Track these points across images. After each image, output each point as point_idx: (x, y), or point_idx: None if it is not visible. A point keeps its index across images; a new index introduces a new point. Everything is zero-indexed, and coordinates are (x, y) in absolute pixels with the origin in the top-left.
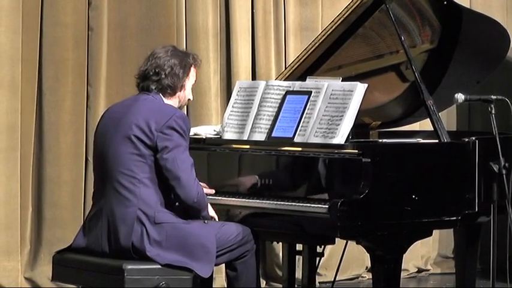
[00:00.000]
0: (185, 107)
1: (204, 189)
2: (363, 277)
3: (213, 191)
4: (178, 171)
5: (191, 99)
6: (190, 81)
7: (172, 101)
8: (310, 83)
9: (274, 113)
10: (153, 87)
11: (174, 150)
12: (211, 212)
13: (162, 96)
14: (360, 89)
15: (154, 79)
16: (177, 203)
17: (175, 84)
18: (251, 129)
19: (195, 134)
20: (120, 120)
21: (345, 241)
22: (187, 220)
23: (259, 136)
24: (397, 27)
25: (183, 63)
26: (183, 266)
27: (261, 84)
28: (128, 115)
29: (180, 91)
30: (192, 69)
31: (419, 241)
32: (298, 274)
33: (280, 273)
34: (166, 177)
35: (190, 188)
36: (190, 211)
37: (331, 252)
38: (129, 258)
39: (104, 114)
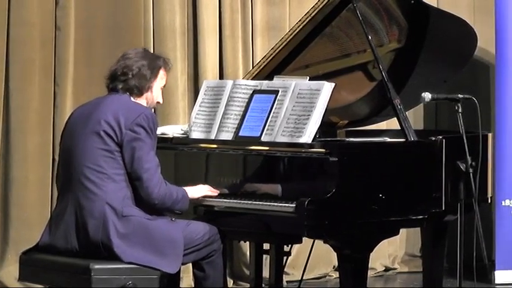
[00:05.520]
0: None
1: (207, 190)
2: (330, 276)
3: (217, 193)
4: (141, 172)
5: (160, 102)
6: (158, 83)
7: (140, 102)
8: (277, 82)
9: (241, 112)
10: (120, 87)
11: (140, 150)
12: (201, 193)
13: (130, 96)
14: (327, 88)
15: (121, 79)
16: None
17: (142, 85)
18: (218, 128)
19: (162, 134)
20: (89, 117)
21: (312, 240)
22: (154, 217)
23: (227, 135)
24: (364, 26)
25: (152, 65)
26: (150, 266)
27: (228, 83)
28: (96, 112)
29: (147, 92)
30: (162, 72)
31: (387, 240)
32: (266, 273)
33: (247, 272)
34: (130, 176)
35: (151, 190)
36: (159, 210)
37: (298, 251)
38: (98, 254)
39: (72, 113)
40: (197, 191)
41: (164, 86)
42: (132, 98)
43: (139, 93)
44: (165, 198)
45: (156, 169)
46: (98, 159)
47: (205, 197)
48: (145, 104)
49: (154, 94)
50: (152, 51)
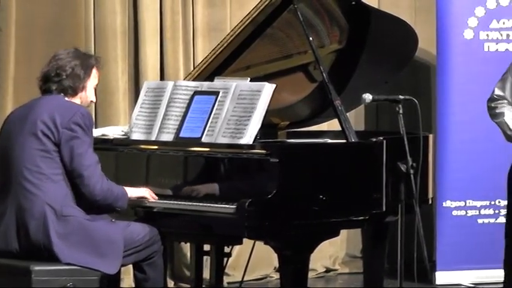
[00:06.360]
0: (93, 107)
1: (146, 191)
2: (271, 277)
3: (156, 198)
4: (82, 169)
5: (94, 101)
6: (91, 82)
7: (74, 101)
8: (218, 83)
9: (182, 114)
10: (54, 88)
11: (79, 148)
12: (139, 193)
13: (64, 96)
14: (267, 89)
15: (55, 80)
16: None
17: (76, 84)
18: (159, 129)
19: (102, 135)
20: (25, 118)
21: (253, 241)
22: (93, 217)
23: (167, 136)
24: (305, 27)
25: (85, 64)
26: (89, 267)
27: (169, 84)
28: (32, 113)
29: (82, 92)
30: (94, 71)
31: (328, 241)
32: (206, 274)
33: (188, 273)
34: (71, 174)
35: (93, 186)
36: (101, 207)
37: (239, 252)
38: (38, 255)
39: (8, 116)
40: (135, 191)
41: (97, 84)
42: (66, 98)
43: (74, 93)
44: (107, 193)
45: (96, 165)
46: (36, 159)
47: (143, 198)
48: (79, 104)
49: (88, 93)
50: (93, 51)
